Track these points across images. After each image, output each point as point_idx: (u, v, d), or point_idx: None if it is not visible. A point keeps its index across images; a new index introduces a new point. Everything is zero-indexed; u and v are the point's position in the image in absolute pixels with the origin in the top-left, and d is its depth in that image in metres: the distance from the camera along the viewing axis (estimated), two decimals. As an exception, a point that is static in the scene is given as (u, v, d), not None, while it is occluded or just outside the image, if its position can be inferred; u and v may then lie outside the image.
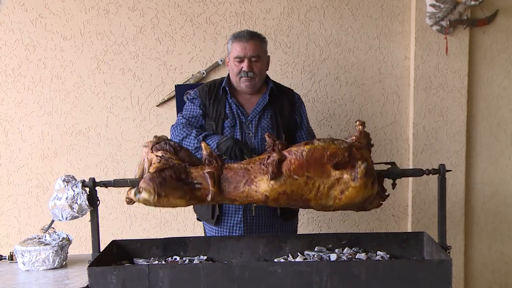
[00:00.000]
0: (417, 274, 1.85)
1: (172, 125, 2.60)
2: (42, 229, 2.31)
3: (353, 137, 2.02)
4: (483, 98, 3.28)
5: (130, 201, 2.00)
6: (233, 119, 2.56)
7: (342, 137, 3.00)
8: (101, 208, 2.12)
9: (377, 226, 3.34)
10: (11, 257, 2.35)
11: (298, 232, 2.84)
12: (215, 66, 3.21)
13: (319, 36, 3.24)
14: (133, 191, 1.94)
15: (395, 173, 2.09)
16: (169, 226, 3.29)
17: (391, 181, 2.11)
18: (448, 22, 3.11)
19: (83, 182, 2.02)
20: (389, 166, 2.12)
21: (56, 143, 3.26)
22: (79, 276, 2.13)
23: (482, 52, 3.25)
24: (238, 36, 2.55)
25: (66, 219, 2.03)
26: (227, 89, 2.59)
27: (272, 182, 1.93)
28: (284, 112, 2.63)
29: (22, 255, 2.21)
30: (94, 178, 2.04)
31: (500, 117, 3.30)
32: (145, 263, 2.14)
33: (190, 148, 2.39)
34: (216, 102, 2.59)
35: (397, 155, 3.29)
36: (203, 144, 2.03)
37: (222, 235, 2.57)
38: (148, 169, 2.00)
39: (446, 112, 3.23)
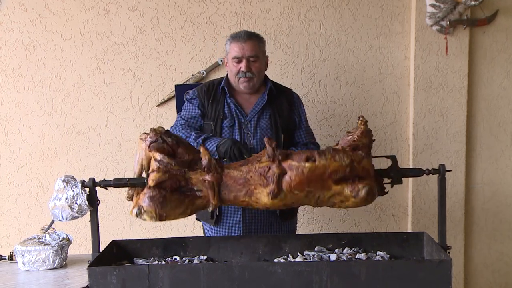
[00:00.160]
0: (417, 274, 1.85)
1: (171, 127, 2.60)
2: (42, 229, 2.31)
3: (355, 136, 2.01)
4: (483, 98, 3.28)
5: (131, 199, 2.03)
6: (232, 119, 2.56)
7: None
8: (101, 208, 2.12)
9: (377, 226, 3.34)
10: (11, 257, 2.34)
11: (297, 232, 2.84)
12: (215, 66, 3.21)
13: (319, 36, 3.24)
14: (134, 210, 1.95)
15: (395, 178, 2.10)
16: (169, 226, 3.30)
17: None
18: (448, 22, 3.11)
19: (83, 182, 2.02)
20: (389, 166, 2.13)
21: (56, 143, 3.26)
22: (79, 276, 2.13)
23: (482, 52, 3.25)
24: (236, 37, 2.55)
25: (66, 219, 2.03)
26: (226, 89, 2.59)
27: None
28: (283, 112, 2.63)
29: (22, 255, 2.21)
30: (94, 178, 2.04)
31: (500, 117, 3.30)
32: (145, 263, 2.14)
33: None
34: (214, 102, 2.59)
35: (397, 155, 3.23)
36: (202, 150, 2.01)
37: (221, 235, 2.57)
38: (147, 166, 1.99)
39: (446, 112, 3.23)
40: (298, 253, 2.22)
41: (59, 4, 3.18)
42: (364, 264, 1.94)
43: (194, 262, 2.18)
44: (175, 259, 2.21)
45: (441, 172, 2.09)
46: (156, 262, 2.18)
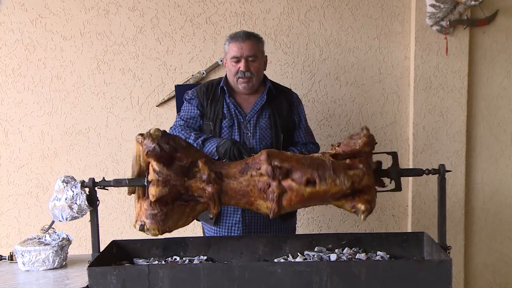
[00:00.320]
0: (417, 274, 1.85)
1: (170, 127, 2.60)
2: (42, 229, 2.31)
3: (357, 146, 1.99)
4: (483, 98, 3.28)
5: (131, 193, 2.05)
6: (231, 119, 2.56)
7: (342, 138, 3.02)
8: (101, 208, 2.11)
9: (377, 226, 3.34)
10: (11, 257, 2.34)
11: (297, 232, 2.84)
12: (215, 66, 3.21)
13: (319, 36, 3.24)
14: (138, 225, 1.95)
15: (393, 176, 2.11)
16: (169, 226, 3.29)
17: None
18: (448, 22, 3.11)
19: (82, 182, 2.02)
20: (388, 166, 2.12)
21: (56, 143, 3.26)
22: (79, 276, 2.13)
23: (482, 52, 3.25)
24: (235, 37, 2.55)
25: (66, 219, 2.03)
26: (225, 89, 2.59)
27: None
28: (282, 111, 2.62)
29: (22, 255, 2.21)
30: (93, 178, 2.04)
31: (500, 117, 3.30)
32: (145, 263, 2.14)
33: None
34: (213, 102, 2.59)
35: (397, 155, 3.28)
36: (200, 164, 1.96)
37: (220, 235, 2.57)
38: (145, 167, 1.98)
39: (446, 112, 3.23)
40: (298, 253, 2.22)
41: (59, 4, 3.18)
42: (364, 264, 1.94)
43: (194, 262, 2.18)
44: (175, 259, 2.21)
45: (441, 172, 2.08)
46: (156, 262, 2.18)
